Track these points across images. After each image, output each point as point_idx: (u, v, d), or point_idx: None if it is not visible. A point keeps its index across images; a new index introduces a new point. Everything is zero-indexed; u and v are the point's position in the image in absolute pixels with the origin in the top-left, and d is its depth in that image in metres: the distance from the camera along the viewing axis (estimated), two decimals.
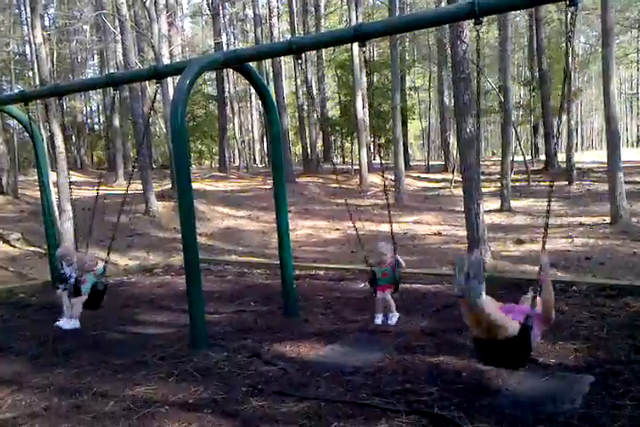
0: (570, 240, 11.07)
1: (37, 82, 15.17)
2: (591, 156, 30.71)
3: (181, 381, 4.24)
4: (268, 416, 3.55)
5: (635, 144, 58.37)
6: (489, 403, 3.57)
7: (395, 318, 5.39)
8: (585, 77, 41.64)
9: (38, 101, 14.17)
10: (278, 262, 6.27)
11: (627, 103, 58.19)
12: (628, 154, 23.68)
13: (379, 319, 5.37)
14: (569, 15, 3.82)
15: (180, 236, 5.19)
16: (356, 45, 18.91)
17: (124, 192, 6.38)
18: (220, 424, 3.50)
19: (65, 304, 6.28)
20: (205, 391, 4.00)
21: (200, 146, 34.62)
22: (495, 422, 3.31)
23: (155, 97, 6.01)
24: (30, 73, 23.85)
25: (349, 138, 30.10)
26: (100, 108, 38.83)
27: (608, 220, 12.53)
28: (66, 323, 5.64)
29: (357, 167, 23.48)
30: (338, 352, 4.78)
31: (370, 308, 6.10)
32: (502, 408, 3.49)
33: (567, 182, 19.80)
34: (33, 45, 14.94)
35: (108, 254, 6.11)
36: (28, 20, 18.07)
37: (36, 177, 8.21)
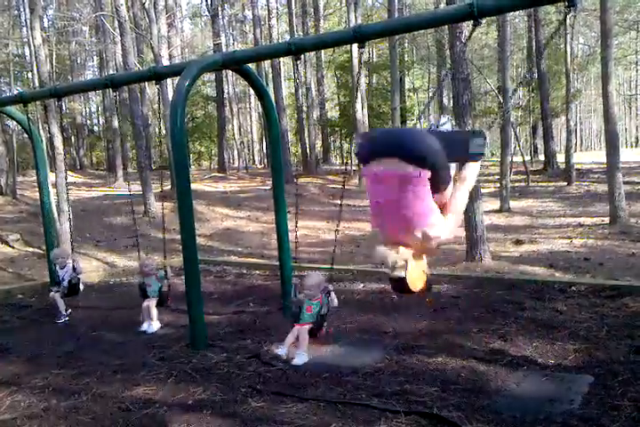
0: (569, 241, 11.08)
1: (37, 83, 15.18)
2: (590, 156, 30.74)
3: (180, 381, 4.24)
4: (267, 417, 3.55)
5: (633, 145, 58.44)
6: (488, 404, 3.57)
7: (300, 358, 4.37)
8: (584, 78, 41.69)
9: (37, 103, 14.16)
10: (277, 263, 6.29)
11: (625, 104, 58.21)
12: (626, 155, 23.70)
13: (281, 351, 4.41)
14: (568, 15, 3.81)
15: (179, 237, 5.20)
16: (355, 46, 18.92)
17: (128, 193, 6.48)
18: (219, 425, 3.50)
19: (60, 306, 6.30)
20: (204, 392, 4.00)
21: (199, 147, 34.64)
22: (494, 422, 3.31)
23: (160, 99, 6.04)
24: (29, 74, 23.86)
25: (349, 139, 30.12)
26: (100, 109, 38.85)
27: (607, 220, 12.53)
28: (150, 327, 5.75)
29: (356, 168, 23.49)
30: (337, 353, 4.79)
31: (369, 308, 6.12)
32: (501, 409, 3.49)
33: (566, 183, 19.82)
34: (32, 47, 14.92)
35: (165, 258, 6.46)
36: (28, 21, 18.08)
37: (35, 178, 8.21)
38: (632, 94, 52.34)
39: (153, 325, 5.77)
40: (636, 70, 46.49)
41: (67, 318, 6.32)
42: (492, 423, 3.30)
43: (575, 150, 26.15)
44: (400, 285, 2.74)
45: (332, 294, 4.34)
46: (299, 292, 4.48)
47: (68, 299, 6.40)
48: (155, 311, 5.82)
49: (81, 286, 6.35)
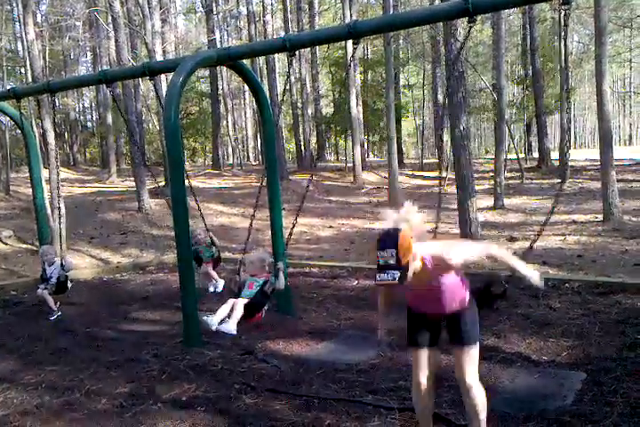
0: (562, 238, 11.11)
1: (30, 79, 15.07)
2: (584, 154, 30.83)
3: (175, 378, 4.23)
4: (261, 414, 3.55)
5: (627, 142, 58.66)
6: None
7: (228, 325, 4.04)
8: (578, 76, 41.77)
9: (30, 98, 14.06)
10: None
11: (619, 102, 58.38)
12: (620, 152, 23.79)
13: (209, 318, 4.07)
14: (564, 13, 3.81)
15: (173, 233, 5.19)
16: (350, 43, 18.85)
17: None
18: (213, 422, 3.50)
19: (50, 303, 6.28)
20: (198, 389, 4.00)
21: (193, 143, 34.50)
22: (487, 418, 3.32)
23: (155, 95, 6.02)
24: (22, 70, 23.67)
25: (344, 135, 30.07)
26: (93, 105, 38.66)
27: (600, 217, 12.57)
28: (217, 286, 6.64)
29: (351, 164, 23.49)
30: (331, 350, 4.79)
31: (363, 305, 6.12)
32: (494, 405, 3.49)
33: (560, 180, 19.87)
34: (25, 42, 14.82)
35: (208, 231, 7.01)
36: (20, 16, 17.92)
37: (28, 174, 8.16)
38: (626, 92, 52.47)
39: (219, 284, 6.56)
40: (630, 68, 46.59)
41: (59, 314, 6.30)
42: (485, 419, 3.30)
43: (569, 148, 26.20)
44: (392, 234, 2.60)
45: (281, 274, 4.13)
46: (243, 270, 4.36)
47: (58, 296, 6.37)
48: (214, 273, 6.67)
49: (69, 284, 6.32)
